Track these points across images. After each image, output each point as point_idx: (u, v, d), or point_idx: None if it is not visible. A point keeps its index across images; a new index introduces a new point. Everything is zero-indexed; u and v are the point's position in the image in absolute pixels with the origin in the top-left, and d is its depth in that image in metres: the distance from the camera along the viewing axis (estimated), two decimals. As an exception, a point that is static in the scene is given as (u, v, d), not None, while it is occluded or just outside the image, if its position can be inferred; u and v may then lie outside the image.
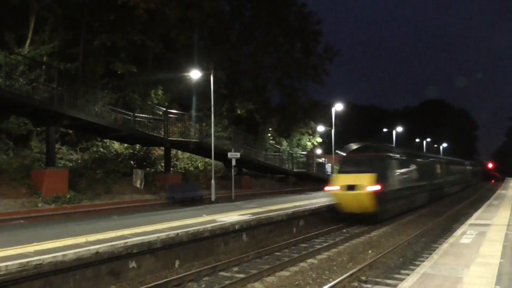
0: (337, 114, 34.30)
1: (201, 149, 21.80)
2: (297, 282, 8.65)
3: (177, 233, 9.95)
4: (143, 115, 19.33)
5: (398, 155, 19.50)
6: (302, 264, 10.31)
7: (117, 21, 22.35)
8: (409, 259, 10.88)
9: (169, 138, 19.46)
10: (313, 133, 40.44)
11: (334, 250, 12.01)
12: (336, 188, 16.41)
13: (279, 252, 11.80)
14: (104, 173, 18.24)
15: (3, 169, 14.95)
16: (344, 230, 15.73)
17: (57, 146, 18.27)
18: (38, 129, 18.22)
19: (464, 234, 9.87)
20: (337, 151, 18.76)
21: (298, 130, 39.12)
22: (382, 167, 16.81)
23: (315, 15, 38.61)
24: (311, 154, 36.73)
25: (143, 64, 25.07)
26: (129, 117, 17.97)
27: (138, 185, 18.51)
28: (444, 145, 76.51)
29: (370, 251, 11.81)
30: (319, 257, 11.08)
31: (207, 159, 25.09)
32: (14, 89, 14.57)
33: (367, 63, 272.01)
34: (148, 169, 21.17)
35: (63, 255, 7.48)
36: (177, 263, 9.93)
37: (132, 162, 21.01)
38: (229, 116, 30.79)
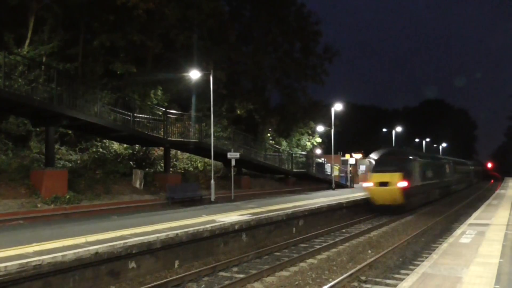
0: (336, 114, 34.26)
1: (201, 149, 21.78)
2: (296, 282, 8.65)
3: (177, 233, 9.95)
4: (143, 115, 19.31)
5: (419, 157, 23.41)
6: (302, 264, 10.32)
7: (117, 21, 22.33)
8: (408, 259, 10.89)
9: (168, 138, 19.45)
10: (313, 133, 40.43)
11: (333, 250, 12.02)
12: (370, 184, 20.42)
13: (279, 252, 11.81)
14: (104, 174, 18.22)
15: (2, 169, 14.93)
16: (344, 230, 15.75)
17: (57, 146, 18.26)
18: (38, 129, 18.20)
19: (464, 234, 9.87)
20: (370, 155, 23.27)
21: (297, 130, 39.11)
22: (408, 167, 20.63)
23: (315, 15, 38.65)
24: (310, 154, 36.73)
25: (142, 64, 25.05)
26: (129, 117, 17.95)
27: (137, 185, 18.50)
28: (444, 145, 76.53)
29: (369, 251, 11.81)
30: (318, 257, 11.08)
31: (206, 159, 25.08)
32: (14, 89, 14.53)
33: (367, 63, 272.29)
34: (147, 169, 21.15)
35: (62, 256, 7.48)
36: (176, 263, 9.93)
37: (131, 162, 20.99)
38: (229, 116, 30.77)
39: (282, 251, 11.93)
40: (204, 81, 23.09)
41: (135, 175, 18.69)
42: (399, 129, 54.12)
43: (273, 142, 35.06)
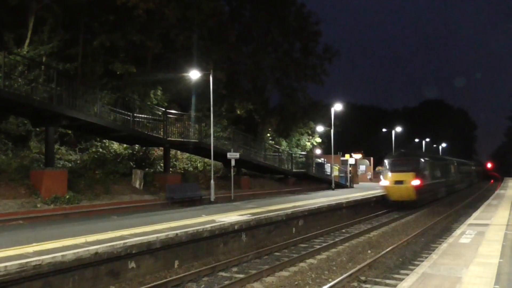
0: (336, 114, 34.27)
1: (200, 149, 21.78)
2: (296, 282, 8.65)
3: (177, 234, 9.95)
4: (142, 115, 19.30)
5: (429, 159, 26.34)
6: (302, 264, 10.32)
7: (116, 21, 22.32)
8: (408, 259, 10.90)
9: (168, 139, 19.45)
10: (313, 133, 40.42)
11: (333, 250, 12.03)
12: (387, 183, 23.23)
13: (279, 252, 11.81)
14: (103, 174, 18.21)
15: (2, 169, 14.92)
16: (344, 231, 15.76)
17: (56, 146, 18.25)
18: (37, 129, 18.19)
19: (463, 234, 9.88)
20: (386, 157, 26.17)
21: (297, 130, 39.11)
22: (420, 167, 23.24)
23: (314, 15, 38.61)
24: (310, 154, 36.73)
25: (142, 64, 25.04)
26: (128, 117, 17.94)
27: (137, 185, 18.49)
28: (443, 145, 76.54)
29: (369, 251, 11.82)
30: (318, 257, 11.09)
31: (206, 159, 25.07)
32: (13, 89, 14.53)
33: (367, 63, 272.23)
34: (147, 169, 21.14)
35: (62, 256, 7.48)
36: (176, 263, 9.93)
37: (131, 162, 20.98)
38: (229, 116, 30.76)
39: (282, 251, 11.93)
40: (204, 81, 23.08)
41: (135, 175, 18.68)
42: (398, 129, 54.13)
43: (273, 142, 35.06)
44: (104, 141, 21.05)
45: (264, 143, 31.01)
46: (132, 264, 8.90)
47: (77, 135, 20.42)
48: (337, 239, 13.40)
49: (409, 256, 11.19)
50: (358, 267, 9.48)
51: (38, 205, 13.60)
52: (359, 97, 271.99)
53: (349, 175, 34.46)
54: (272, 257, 11.18)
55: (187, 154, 25.36)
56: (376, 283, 8.59)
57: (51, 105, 14.25)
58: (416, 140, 69.40)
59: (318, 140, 40.77)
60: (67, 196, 14.58)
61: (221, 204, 18.20)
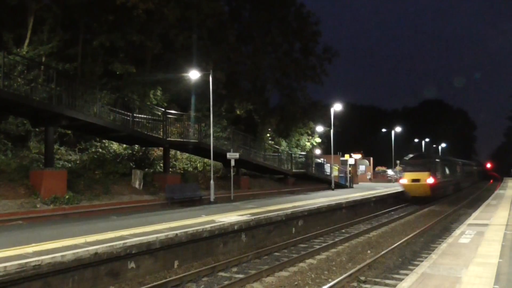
0: (336, 115, 34.28)
1: (200, 149, 21.77)
2: (296, 283, 8.66)
3: (176, 234, 9.95)
4: (142, 116, 19.28)
5: (440, 160, 29.90)
6: (301, 264, 10.32)
7: (116, 21, 22.31)
8: (408, 259, 10.90)
9: (168, 139, 19.44)
10: (312, 133, 40.44)
11: (333, 250, 12.03)
12: (405, 181, 26.82)
13: (278, 252, 11.81)
14: (103, 174, 18.20)
15: (2, 169, 14.91)
16: (343, 231, 15.76)
17: (56, 146, 18.23)
18: (37, 129, 18.18)
19: (463, 234, 9.88)
20: (403, 158, 30.25)
21: (297, 131, 39.11)
22: (433, 167, 26.81)
23: (314, 15, 38.68)
24: (310, 154, 36.72)
25: (142, 65, 25.03)
26: (128, 118, 17.92)
27: (137, 185, 18.48)
28: (443, 145, 76.57)
29: (369, 251, 11.82)
30: (318, 257, 11.09)
31: (206, 160, 25.06)
32: (13, 89, 14.51)
33: (366, 63, 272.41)
34: (147, 169, 21.13)
35: (62, 256, 7.48)
36: (176, 263, 9.93)
37: (131, 162, 20.97)
38: (228, 117, 30.75)
39: (282, 252, 11.92)
40: (204, 81, 23.08)
41: (135, 175, 18.67)
42: (398, 129, 54.17)
43: (273, 142, 35.05)
44: (104, 141, 21.03)
45: (263, 143, 31.00)
46: (132, 264, 8.90)
47: (77, 135, 20.40)
48: (336, 239, 13.40)
49: (409, 256, 11.19)
50: (358, 267, 9.48)
51: (38, 205, 13.59)
52: (358, 97, 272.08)
53: (348, 175, 34.46)
54: (271, 257, 11.18)
55: (187, 154, 25.34)
56: (376, 283, 8.59)
57: (50, 105, 14.24)
58: (416, 140, 69.44)
59: (318, 140, 40.78)
60: (67, 196, 14.56)
61: (220, 204, 18.19)
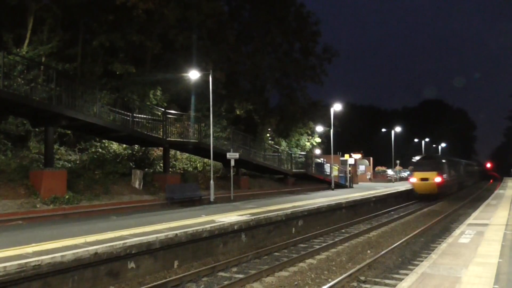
0: (335, 115, 34.28)
1: (200, 149, 21.77)
2: (296, 283, 8.65)
3: (176, 234, 9.94)
4: (142, 116, 19.28)
5: (446, 160, 31.79)
6: (301, 264, 10.32)
7: (116, 21, 22.30)
8: (408, 259, 10.90)
9: (167, 139, 19.44)
10: (312, 133, 40.44)
11: (333, 250, 12.02)
12: (415, 180, 28.99)
13: (278, 252, 11.80)
14: (103, 174, 18.20)
15: (1, 170, 14.90)
16: (343, 231, 15.76)
17: (56, 146, 18.22)
18: (37, 129, 18.16)
19: (463, 234, 9.89)
20: (413, 159, 32.72)
21: (297, 131, 39.11)
22: (440, 167, 29.05)
23: (314, 15, 38.70)
24: (310, 154, 36.71)
25: (141, 65, 25.02)
26: (128, 118, 17.92)
27: (136, 185, 18.48)
28: (443, 145, 76.59)
29: (369, 251, 11.82)
30: (318, 257, 11.08)
31: (206, 160, 25.06)
32: (12, 90, 14.51)
33: (366, 63, 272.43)
34: (147, 169, 21.13)
35: (61, 256, 7.48)
36: (176, 263, 9.93)
37: (130, 162, 20.97)
38: (228, 117, 30.74)
39: (282, 251, 11.92)
40: (203, 82, 23.08)
41: (134, 175, 18.67)
42: (398, 129, 54.17)
43: (273, 142, 35.05)
44: (104, 141, 21.02)
45: (263, 143, 31.01)
46: (132, 264, 8.90)
47: (77, 135, 20.39)
48: (336, 239, 13.39)
49: (409, 256, 11.19)
50: (358, 267, 9.48)
51: (38, 206, 13.58)
52: (358, 97, 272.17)
53: (348, 175, 34.46)
54: (271, 257, 11.17)
55: (187, 154, 25.34)
56: (376, 283, 8.58)
57: (50, 105, 14.23)
58: (416, 140, 69.47)
59: (318, 140, 40.77)
60: (67, 196, 14.57)
61: (220, 204, 18.19)
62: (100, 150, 20.70)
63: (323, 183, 31.89)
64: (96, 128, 16.65)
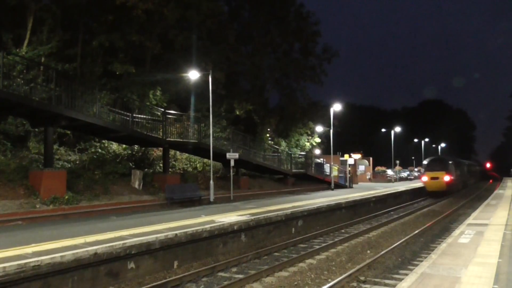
0: (335, 115, 34.30)
1: (200, 149, 21.76)
2: (296, 283, 8.65)
3: (176, 234, 9.94)
4: (142, 116, 19.26)
5: (453, 161, 35.20)
6: (301, 264, 10.32)
7: (116, 21, 22.29)
8: (407, 259, 10.90)
9: (167, 139, 19.43)
10: (312, 133, 40.43)
11: (332, 250, 12.02)
12: (426, 179, 32.68)
13: (278, 252, 11.80)
14: (103, 174, 18.19)
15: (1, 170, 14.88)
16: (343, 231, 15.76)
17: (55, 147, 18.21)
18: (36, 130, 18.14)
19: (462, 234, 9.89)
20: (424, 160, 36.68)
21: (296, 131, 39.10)
22: (449, 167, 32.55)
23: (313, 15, 38.71)
24: (309, 154, 36.69)
25: (141, 65, 25.01)
26: (128, 118, 17.91)
27: (136, 185, 18.47)
28: (442, 145, 76.63)
29: (368, 251, 11.83)
30: (317, 257, 11.09)
31: (205, 160, 25.05)
32: (12, 90, 14.50)
33: (366, 63, 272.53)
34: (146, 169, 21.12)
35: (61, 256, 7.47)
36: (175, 263, 9.92)
37: (130, 162, 20.95)
38: (228, 117, 30.74)
39: (281, 252, 11.92)
40: (203, 82, 23.07)
41: (134, 176, 18.66)
42: (398, 129, 54.20)
43: (272, 142, 35.05)
44: (103, 141, 21.01)
45: (263, 144, 31.01)
46: (132, 265, 8.89)
47: (76, 135, 20.37)
48: (336, 239, 13.39)
49: (408, 256, 11.19)
50: (358, 267, 9.48)
51: (37, 206, 13.58)
52: (358, 97, 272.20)
53: (348, 175, 34.46)
54: (271, 258, 11.17)
55: (186, 155, 25.33)
56: (376, 283, 8.59)
57: (50, 105, 14.22)
58: (415, 140, 69.49)
59: (318, 140, 40.77)
60: (66, 197, 14.55)
61: (220, 205, 18.19)
62: (99, 150, 20.68)
63: (322, 183, 31.89)
64: (95, 128, 16.64)
